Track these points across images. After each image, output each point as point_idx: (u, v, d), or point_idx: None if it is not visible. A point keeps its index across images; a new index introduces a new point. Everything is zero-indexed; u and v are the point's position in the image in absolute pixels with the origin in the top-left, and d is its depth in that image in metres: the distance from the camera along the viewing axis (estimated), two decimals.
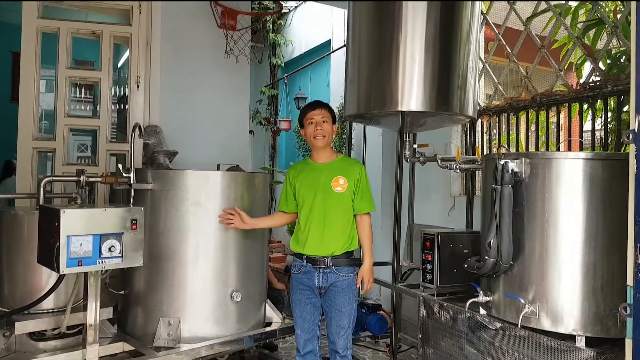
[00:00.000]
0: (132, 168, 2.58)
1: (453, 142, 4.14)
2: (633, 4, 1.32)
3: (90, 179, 2.70)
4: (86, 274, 2.35)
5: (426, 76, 2.94)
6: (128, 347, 2.53)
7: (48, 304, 2.45)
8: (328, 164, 2.48)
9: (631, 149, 1.30)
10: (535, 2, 3.55)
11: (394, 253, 3.06)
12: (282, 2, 5.17)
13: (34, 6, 3.61)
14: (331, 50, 6.03)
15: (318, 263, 2.37)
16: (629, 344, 1.34)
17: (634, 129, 1.28)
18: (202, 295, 2.66)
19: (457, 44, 3.02)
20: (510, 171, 1.95)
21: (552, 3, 3.42)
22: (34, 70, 3.63)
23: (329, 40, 6.19)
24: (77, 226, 2.03)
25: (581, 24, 3.33)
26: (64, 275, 2.18)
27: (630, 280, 1.33)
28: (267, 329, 2.87)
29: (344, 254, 2.41)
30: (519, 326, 1.92)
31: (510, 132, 3.80)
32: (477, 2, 3.14)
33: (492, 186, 2.00)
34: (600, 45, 3.30)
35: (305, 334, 2.44)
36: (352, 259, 2.45)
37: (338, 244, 2.39)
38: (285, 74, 7.15)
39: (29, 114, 3.60)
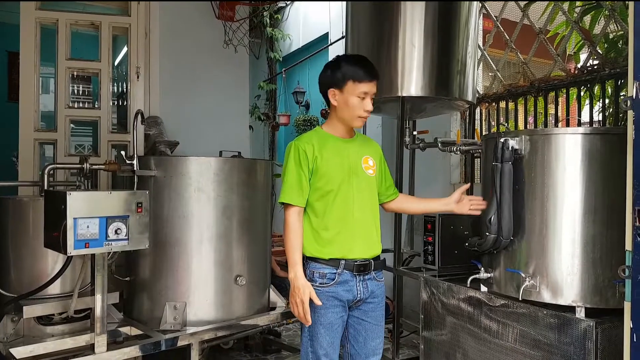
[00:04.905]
0: (135, 154, 2.61)
1: (452, 130, 4.17)
2: (631, 4, 1.35)
3: (94, 167, 2.73)
4: (93, 259, 2.38)
5: (425, 62, 2.97)
6: (135, 331, 2.56)
7: (55, 289, 2.48)
8: (352, 139, 1.97)
9: (629, 115, 1.33)
10: None
11: (395, 240, 3.10)
12: None
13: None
14: (329, 43, 6.05)
15: (362, 269, 1.87)
16: (627, 306, 1.37)
17: (632, 96, 1.31)
18: (207, 280, 2.69)
19: (456, 30, 3.05)
20: (510, 148, 1.98)
21: None
22: (33, 63, 3.65)
23: (327, 33, 6.21)
24: (83, 208, 2.06)
25: (578, 8, 3.36)
26: (71, 258, 2.20)
27: (628, 245, 1.36)
28: (272, 312, 2.90)
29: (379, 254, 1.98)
30: (520, 299, 1.95)
31: (509, 120, 3.84)
32: None
33: (492, 164, 2.03)
34: (597, 29, 3.33)
35: None
36: (383, 260, 2.03)
37: (379, 241, 1.97)
38: (284, 69, 7.17)
39: (30, 105, 3.63)
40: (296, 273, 1.80)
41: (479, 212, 2.08)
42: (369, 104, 1.86)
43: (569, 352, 1.81)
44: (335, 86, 1.86)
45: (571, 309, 1.86)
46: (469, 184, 2.09)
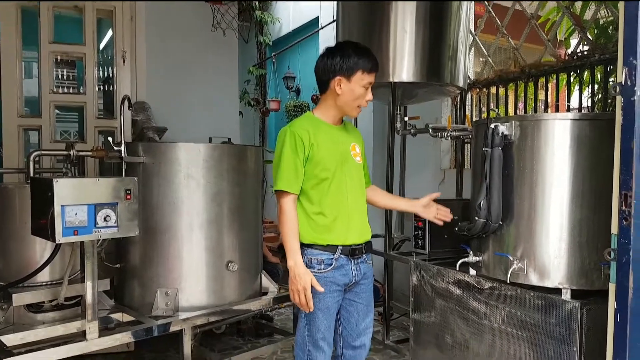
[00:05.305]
0: (123, 141, 2.57)
1: (443, 116, 4.18)
2: (621, 4, 1.35)
3: (81, 153, 2.69)
4: (82, 246, 2.36)
5: (417, 47, 2.96)
6: (127, 318, 2.56)
7: (44, 276, 2.46)
8: (342, 126, 1.99)
9: (618, 101, 1.34)
10: None
11: (386, 225, 3.12)
12: None
13: None
14: (319, 27, 5.98)
15: (357, 253, 1.92)
16: (612, 288, 1.40)
17: (621, 82, 1.32)
18: (198, 266, 2.69)
19: (448, 15, 3.04)
20: (500, 134, 1.99)
21: None
22: (15, 47, 3.57)
23: (317, 17, 6.13)
24: (70, 196, 2.03)
25: None
26: (60, 246, 2.18)
27: (614, 229, 1.39)
28: (264, 297, 2.92)
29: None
30: (508, 282, 1.98)
31: (500, 105, 3.85)
32: None
33: (482, 149, 2.04)
34: (588, 15, 3.34)
35: (330, 349, 1.94)
36: (371, 242, 2.07)
37: (369, 226, 2.02)
38: (273, 53, 7.08)
39: (13, 90, 3.56)
40: (296, 261, 1.81)
41: (441, 223, 2.11)
42: (370, 94, 1.90)
43: (555, 332, 1.86)
44: (343, 74, 1.85)
45: (557, 291, 1.90)
46: (439, 193, 2.13)
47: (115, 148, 2.57)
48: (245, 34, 7.05)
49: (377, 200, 2.16)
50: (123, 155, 2.56)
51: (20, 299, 2.38)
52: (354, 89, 1.85)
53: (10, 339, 2.28)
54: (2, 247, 2.54)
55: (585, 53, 3.08)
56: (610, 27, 3.20)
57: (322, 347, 1.89)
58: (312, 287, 1.80)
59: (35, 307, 2.52)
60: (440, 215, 2.09)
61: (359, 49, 1.89)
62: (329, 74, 1.87)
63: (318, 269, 1.85)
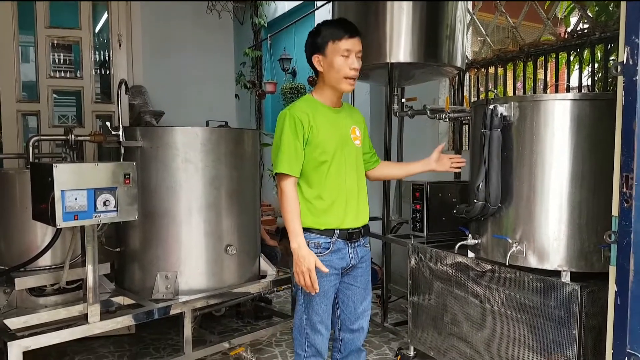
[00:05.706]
0: (121, 125, 2.55)
1: (441, 97, 4.15)
2: (623, 4, 1.33)
3: (79, 138, 2.68)
4: (82, 230, 2.36)
5: (414, 27, 2.92)
6: (127, 301, 2.58)
7: (46, 261, 2.48)
8: (341, 109, 1.96)
9: (619, 80, 1.33)
10: None
11: (384, 207, 3.13)
12: None
13: None
14: (315, 7, 5.89)
15: (354, 236, 1.92)
16: (612, 270, 1.40)
17: (623, 61, 1.30)
18: (197, 250, 2.70)
19: None
20: (499, 115, 1.98)
21: None
22: (12, 31, 3.52)
23: None
24: (70, 181, 2.02)
25: None
26: (61, 230, 2.19)
27: (615, 211, 1.39)
28: (263, 280, 2.94)
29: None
30: (507, 264, 1.99)
31: (498, 85, 3.82)
32: None
33: (481, 131, 2.03)
34: None
35: (328, 332, 1.94)
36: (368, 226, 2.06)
37: (367, 210, 2.00)
38: (269, 35, 6.98)
39: (10, 75, 3.52)
40: (299, 243, 1.80)
41: (459, 170, 2.13)
42: (354, 62, 1.83)
43: (555, 315, 1.87)
44: (318, 51, 1.86)
45: (557, 274, 1.91)
46: (444, 143, 2.11)
47: (113, 132, 2.55)
48: (240, 15, 6.93)
49: (391, 172, 2.21)
50: (121, 139, 2.55)
51: (23, 283, 2.39)
52: (332, 60, 1.82)
53: (14, 322, 2.30)
54: (3, 232, 2.54)
55: (586, 31, 3.04)
56: (612, 5, 3.15)
57: (320, 330, 1.90)
58: (316, 268, 1.79)
59: (38, 291, 2.54)
60: (455, 163, 2.09)
61: (328, 22, 1.90)
62: (309, 55, 1.90)
63: (315, 253, 1.84)
